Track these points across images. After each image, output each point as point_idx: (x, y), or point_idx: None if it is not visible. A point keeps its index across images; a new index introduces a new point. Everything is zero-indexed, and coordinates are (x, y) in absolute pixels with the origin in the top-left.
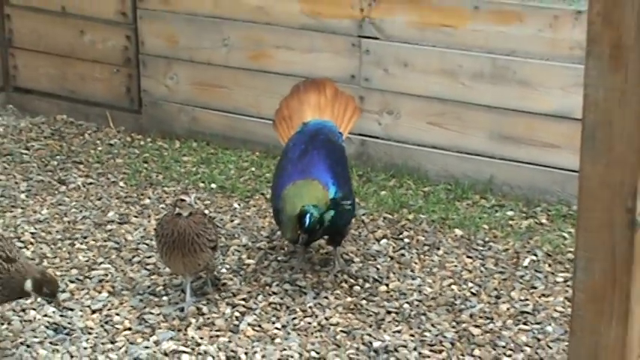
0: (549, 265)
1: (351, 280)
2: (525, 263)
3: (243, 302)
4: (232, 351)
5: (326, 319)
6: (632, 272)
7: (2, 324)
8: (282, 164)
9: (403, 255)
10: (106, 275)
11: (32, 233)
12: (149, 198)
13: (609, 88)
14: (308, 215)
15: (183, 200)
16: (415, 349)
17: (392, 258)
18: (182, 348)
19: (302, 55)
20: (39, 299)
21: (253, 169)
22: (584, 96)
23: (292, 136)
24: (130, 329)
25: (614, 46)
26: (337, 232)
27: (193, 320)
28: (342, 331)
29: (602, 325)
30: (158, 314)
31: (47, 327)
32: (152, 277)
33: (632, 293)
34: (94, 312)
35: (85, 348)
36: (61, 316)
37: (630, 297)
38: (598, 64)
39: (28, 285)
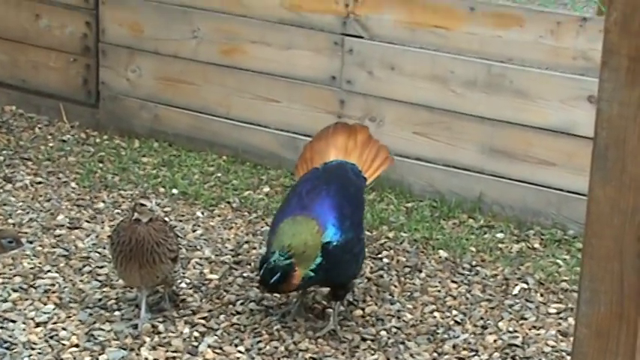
0: (541, 295)
1: (323, 302)
2: (515, 291)
3: (203, 321)
4: None
5: (294, 344)
6: None
7: None
8: (289, 197)
9: (381, 277)
10: (53, 285)
11: None
12: (103, 202)
13: (625, 104)
14: (265, 264)
15: (143, 205)
16: None
17: (369, 279)
18: None
19: (279, 51)
20: (12, 254)
21: (219, 174)
22: (597, 111)
23: (309, 170)
24: (77, 346)
25: (633, 58)
26: (338, 285)
27: (148, 339)
28: (311, 357)
29: None
30: (109, 331)
31: None
32: (104, 289)
33: None
34: (38, 325)
35: None
36: (1, 328)
37: (638, 334)
38: (614, 76)
39: None
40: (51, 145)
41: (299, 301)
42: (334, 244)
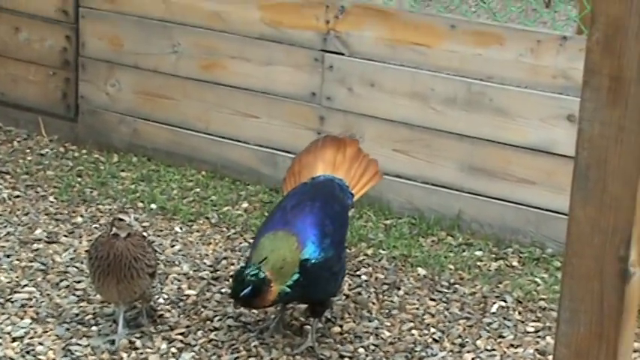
0: (519, 313)
1: (302, 319)
2: (493, 309)
3: (181, 337)
4: None
5: None
6: (620, 327)
7: None
8: (274, 210)
9: (360, 294)
10: (30, 299)
11: None
12: (81, 216)
13: (606, 124)
14: (238, 277)
15: (121, 220)
16: None
17: (347, 297)
18: None
19: (259, 67)
20: None
21: (198, 189)
22: (578, 131)
23: (297, 185)
24: None
25: (614, 78)
26: (316, 302)
27: (125, 355)
28: None
29: None
30: (86, 346)
31: None
32: (81, 304)
33: (620, 350)
34: (14, 340)
35: None
36: None
37: (617, 354)
38: (595, 96)
39: None
40: (29, 158)
41: (277, 317)
42: (312, 261)
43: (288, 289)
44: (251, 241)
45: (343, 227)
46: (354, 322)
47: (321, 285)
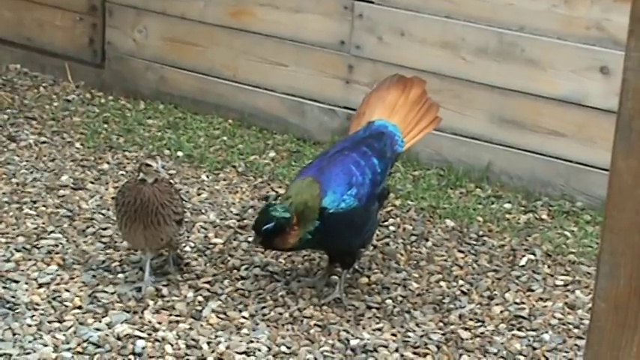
0: (548, 267)
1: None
2: (522, 262)
3: (207, 286)
4: (193, 339)
5: (299, 310)
6: None
7: None
8: (319, 155)
9: (387, 244)
10: (56, 246)
11: None
12: (108, 163)
13: None
14: (264, 211)
15: (149, 165)
16: (397, 350)
17: (375, 247)
18: (137, 332)
19: (287, 15)
20: None
21: (225, 138)
22: (622, 81)
23: (359, 127)
24: (80, 308)
25: None
26: (343, 252)
27: (151, 302)
28: (316, 324)
29: (624, 338)
30: (112, 293)
31: None
32: (107, 251)
33: None
34: (40, 286)
35: (30, 325)
36: (4, 288)
37: None
38: None
39: None
40: (55, 104)
41: (325, 272)
42: (330, 210)
43: (310, 236)
44: (278, 190)
45: (377, 180)
46: (382, 273)
47: (342, 236)
